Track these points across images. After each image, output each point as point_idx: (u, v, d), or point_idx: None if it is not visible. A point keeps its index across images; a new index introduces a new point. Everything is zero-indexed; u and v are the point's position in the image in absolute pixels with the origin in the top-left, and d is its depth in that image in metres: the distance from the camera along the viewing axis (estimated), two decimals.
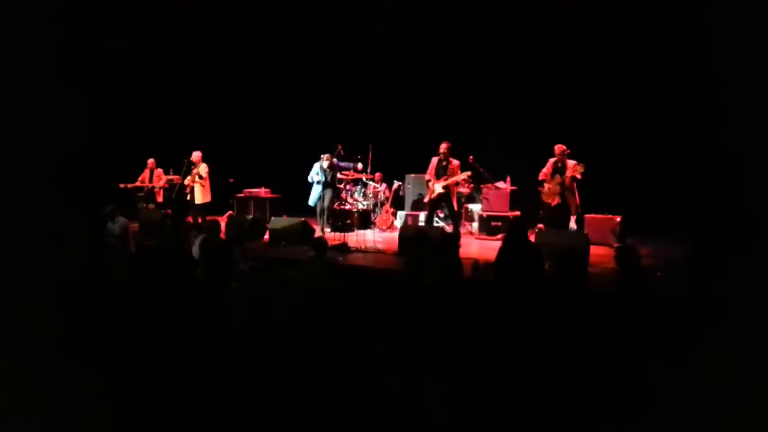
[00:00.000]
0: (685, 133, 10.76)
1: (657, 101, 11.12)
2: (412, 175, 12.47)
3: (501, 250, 5.90)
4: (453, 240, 6.32)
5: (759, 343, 2.95)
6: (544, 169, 10.12)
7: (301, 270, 6.12)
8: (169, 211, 11.56)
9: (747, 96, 9.40)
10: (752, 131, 9.49)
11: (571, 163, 9.90)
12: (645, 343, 3.42)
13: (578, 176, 9.83)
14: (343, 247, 9.57)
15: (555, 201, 10.08)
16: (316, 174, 11.13)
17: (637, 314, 3.87)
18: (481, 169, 10.92)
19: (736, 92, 9.46)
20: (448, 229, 10.52)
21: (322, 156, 11.14)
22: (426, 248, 6.33)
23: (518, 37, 12.05)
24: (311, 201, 11.33)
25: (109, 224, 8.65)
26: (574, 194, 10.02)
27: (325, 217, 11.21)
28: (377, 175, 12.69)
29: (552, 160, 10.07)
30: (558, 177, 10.00)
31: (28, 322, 4.55)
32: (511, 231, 6.10)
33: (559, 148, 10.00)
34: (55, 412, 3.63)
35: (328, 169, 11.10)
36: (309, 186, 11.31)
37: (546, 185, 10.14)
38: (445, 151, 10.03)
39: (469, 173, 10.56)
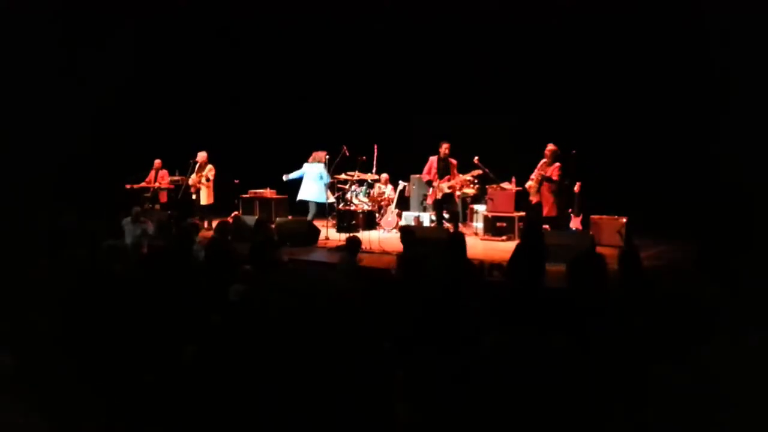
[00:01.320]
0: (690, 133, 10.72)
1: (661, 102, 11.09)
2: (417, 176, 12.45)
3: (517, 250, 5.86)
4: (460, 240, 6.27)
5: (759, 343, 2.93)
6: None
7: (333, 270, 6.12)
8: (174, 212, 11.61)
9: (749, 96, 9.36)
10: (754, 131, 9.45)
11: (557, 164, 9.87)
12: (645, 344, 3.40)
13: (552, 177, 9.79)
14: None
15: (535, 199, 10.11)
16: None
17: (638, 315, 3.84)
18: (486, 170, 10.90)
19: (738, 92, 9.42)
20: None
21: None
22: (417, 244, 6.30)
23: (521, 36, 12.04)
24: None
25: (132, 225, 8.72)
26: (552, 194, 9.94)
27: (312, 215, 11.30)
28: (384, 176, 12.66)
29: (543, 160, 10.09)
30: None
31: (29, 323, 4.54)
32: (527, 230, 6.07)
33: (548, 148, 9.98)
34: (55, 412, 3.62)
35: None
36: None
37: (527, 183, 10.20)
38: (447, 151, 10.02)
39: (479, 171, 10.54)
